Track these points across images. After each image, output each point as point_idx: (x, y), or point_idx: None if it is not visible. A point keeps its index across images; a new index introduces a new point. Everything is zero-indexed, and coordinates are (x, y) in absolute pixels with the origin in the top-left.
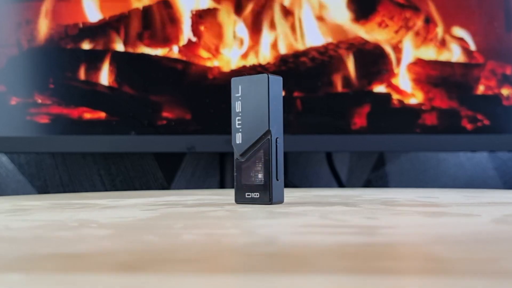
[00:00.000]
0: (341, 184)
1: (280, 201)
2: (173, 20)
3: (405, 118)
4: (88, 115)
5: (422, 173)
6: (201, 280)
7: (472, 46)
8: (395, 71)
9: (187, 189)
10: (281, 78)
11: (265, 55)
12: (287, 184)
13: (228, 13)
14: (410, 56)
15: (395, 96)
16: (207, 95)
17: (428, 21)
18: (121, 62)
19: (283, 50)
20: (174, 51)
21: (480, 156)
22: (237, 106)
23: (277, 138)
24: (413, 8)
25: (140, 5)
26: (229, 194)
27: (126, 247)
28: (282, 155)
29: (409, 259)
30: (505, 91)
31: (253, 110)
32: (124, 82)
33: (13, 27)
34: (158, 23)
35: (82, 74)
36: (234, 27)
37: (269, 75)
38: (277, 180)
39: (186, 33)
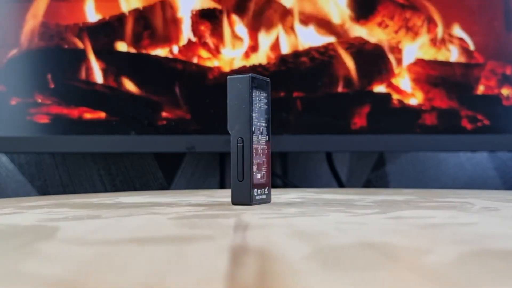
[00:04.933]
0: (341, 184)
1: (243, 202)
2: (173, 20)
3: (405, 118)
4: (88, 115)
5: (422, 173)
6: None
7: (472, 46)
8: (395, 71)
9: (186, 189)
10: (246, 76)
11: (265, 55)
12: (287, 185)
13: (228, 13)
14: (410, 56)
15: (395, 96)
16: (207, 95)
17: (428, 21)
18: (121, 62)
19: (283, 50)
20: (174, 51)
21: (480, 156)
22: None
23: (238, 138)
24: (413, 8)
25: (140, 5)
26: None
27: None
28: (248, 155)
29: None
30: (505, 91)
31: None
32: (124, 82)
33: (13, 27)
34: (158, 23)
35: (82, 74)
36: (234, 27)
37: (230, 76)
38: (239, 180)
39: (186, 33)
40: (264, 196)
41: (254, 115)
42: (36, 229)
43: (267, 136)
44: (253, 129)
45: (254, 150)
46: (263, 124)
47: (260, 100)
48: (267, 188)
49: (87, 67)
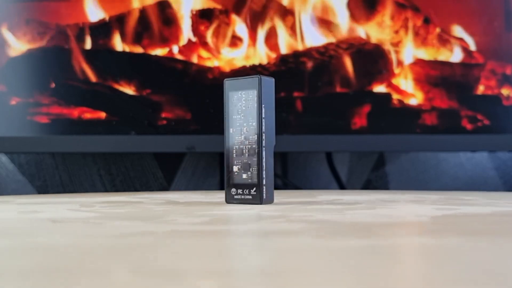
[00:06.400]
0: (341, 185)
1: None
2: (173, 20)
3: (405, 118)
4: (88, 115)
5: (422, 173)
6: None
7: (472, 46)
8: (395, 71)
9: (186, 190)
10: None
11: (265, 55)
12: (287, 185)
13: (228, 13)
14: (410, 56)
15: (395, 96)
16: (207, 95)
17: (428, 21)
18: (121, 62)
19: (283, 50)
20: (174, 51)
21: (480, 156)
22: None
23: None
24: (413, 8)
25: (140, 5)
26: None
27: None
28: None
29: None
30: (505, 91)
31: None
32: (124, 82)
33: (13, 27)
34: (158, 23)
35: (82, 74)
36: (234, 27)
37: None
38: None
39: (186, 33)
40: (249, 197)
41: (235, 117)
42: None
43: (255, 136)
44: (232, 131)
45: (234, 150)
46: (251, 124)
47: (245, 100)
48: (254, 188)
49: (87, 67)
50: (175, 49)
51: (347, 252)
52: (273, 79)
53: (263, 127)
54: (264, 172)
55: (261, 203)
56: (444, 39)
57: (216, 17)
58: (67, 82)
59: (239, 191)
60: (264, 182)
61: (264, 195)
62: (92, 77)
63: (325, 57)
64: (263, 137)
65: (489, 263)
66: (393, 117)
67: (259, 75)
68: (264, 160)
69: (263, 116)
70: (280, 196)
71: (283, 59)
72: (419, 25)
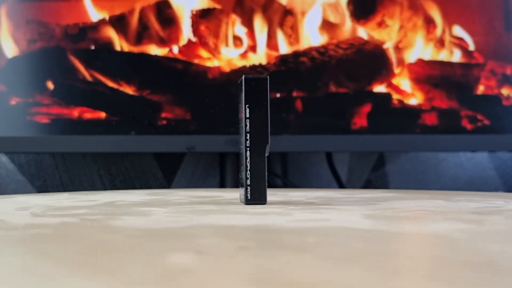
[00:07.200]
0: (341, 185)
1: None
2: (173, 20)
3: (405, 118)
4: (88, 115)
5: (422, 173)
6: None
7: (472, 46)
8: (395, 71)
9: (187, 188)
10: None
11: (265, 55)
12: (287, 184)
13: (228, 13)
14: (410, 56)
15: (395, 96)
16: (207, 95)
17: (428, 21)
18: (121, 62)
19: (283, 50)
20: (174, 51)
21: (480, 156)
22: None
23: None
24: (413, 8)
25: (140, 5)
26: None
27: None
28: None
29: None
30: (505, 91)
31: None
32: (124, 82)
33: (13, 27)
34: (157, 23)
35: (82, 74)
36: (234, 27)
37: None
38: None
39: (186, 33)
40: (242, 197)
41: (242, 117)
42: None
43: (239, 136)
44: (240, 132)
45: (241, 151)
46: (242, 124)
47: (240, 101)
48: (242, 189)
49: (87, 67)
50: (175, 49)
51: None
52: (267, 77)
53: (247, 127)
54: (248, 173)
55: (245, 203)
56: (444, 39)
57: (216, 17)
58: (67, 82)
59: (241, 190)
60: (248, 183)
61: (249, 195)
62: (92, 77)
63: (325, 57)
64: (247, 137)
65: None
66: (393, 117)
67: (243, 75)
68: (248, 160)
69: (247, 116)
70: (283, 195)
71: (283, 59)
72: (419, 25)
